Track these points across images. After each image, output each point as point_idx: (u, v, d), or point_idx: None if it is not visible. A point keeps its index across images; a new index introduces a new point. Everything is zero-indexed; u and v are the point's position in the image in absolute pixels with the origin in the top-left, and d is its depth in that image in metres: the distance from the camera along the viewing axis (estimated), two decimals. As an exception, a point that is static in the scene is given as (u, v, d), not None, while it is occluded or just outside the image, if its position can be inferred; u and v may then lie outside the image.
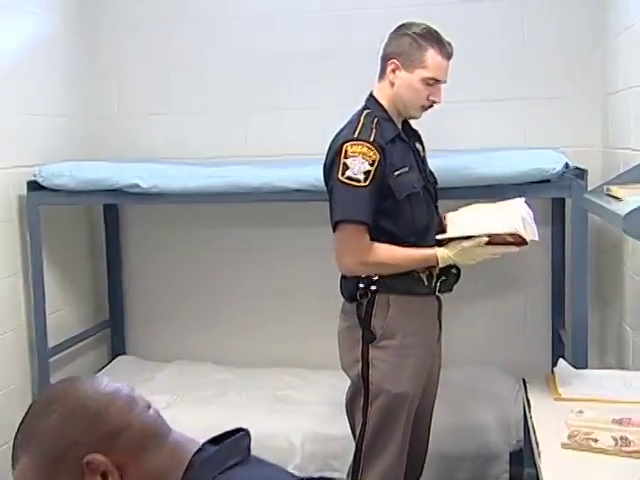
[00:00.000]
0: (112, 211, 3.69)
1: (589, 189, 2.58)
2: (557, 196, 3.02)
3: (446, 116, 3.22)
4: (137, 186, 2.93)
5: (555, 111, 3.28)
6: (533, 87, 3.29)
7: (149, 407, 1.09)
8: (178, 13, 3.59)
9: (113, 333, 3.79)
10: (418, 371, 2.24)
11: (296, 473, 2.84)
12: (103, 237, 3.73)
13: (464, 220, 2.22)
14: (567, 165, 2.62)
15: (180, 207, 3.50)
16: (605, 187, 2.30)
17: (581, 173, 2.73)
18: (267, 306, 3.64)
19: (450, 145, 3.19)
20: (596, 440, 1.85)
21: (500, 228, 2.10)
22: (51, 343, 3.27)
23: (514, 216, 2.11)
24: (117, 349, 3.78)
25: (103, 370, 3.56)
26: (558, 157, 2.63)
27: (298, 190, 2.78)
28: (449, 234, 2.18)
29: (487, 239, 2.11)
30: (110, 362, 3.68)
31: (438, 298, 2.32)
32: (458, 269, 2.27)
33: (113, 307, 3.76)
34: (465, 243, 2.13)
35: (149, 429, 1.06)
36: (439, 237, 2.19)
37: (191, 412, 3.06)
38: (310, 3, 3.47)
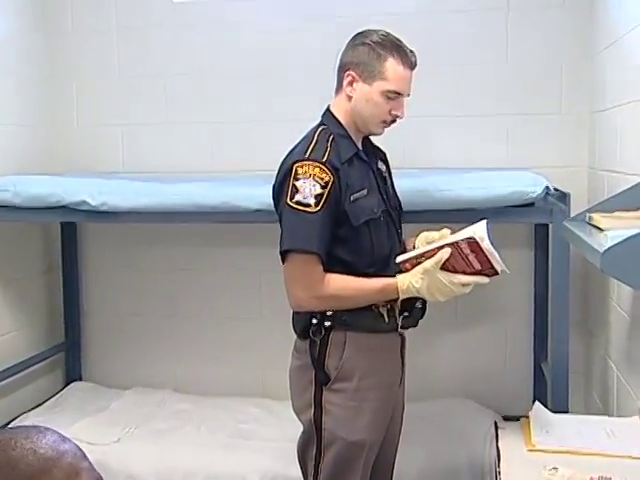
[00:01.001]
0: (70, 228, 3.47)
1: (572, 214, 2.37)
2: (537, 222, 2.81)
3: (421, 132, 3.07)
4: (85, 203, 2.71)
5: (539, 129, 3.08)
6: (516, 103, 3.09)
7: None
8: (142, 20, 3.39)
9: (68, 357, 3.56)
10: (377, 417, 2.01)
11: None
12: (60, 255, 3.51)
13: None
14: (548, 188, 2.41)
15: (141, 225, 3.29)
16: (588, 215, 2.09)
17: (563, 196, 2.52)
18: (232, 330, 3.43)
19: (424, 163, 2.99)
20: (570, 505, 1.64)
21: (456, 237, 1.84)
22: (-3, 368, 3.06)
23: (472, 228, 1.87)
24: (72, 374, 3.55)
25: (54, 397, 3.34)
26: (538, 179, 2.42)
27: (258, 210, 2.56)
28: (409, 254, 1.94)
29: (449, 250, 1.83)
30: (63, 389, 3.45)
31: (401, 335, 2.10)
32: (424, 302, 2.04)
33: (69, 329, 3.53)
34: (427, 263, 1.87)
35: None
36: (399, 259, 1.96)
37: (142, 448, 2.83)
38: (276, 14, 3.27)
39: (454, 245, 1.85)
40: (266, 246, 3.21)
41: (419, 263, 1.88)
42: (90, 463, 1.01)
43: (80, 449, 1.01)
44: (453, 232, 1.93)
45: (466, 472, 2.58)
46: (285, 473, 2.65)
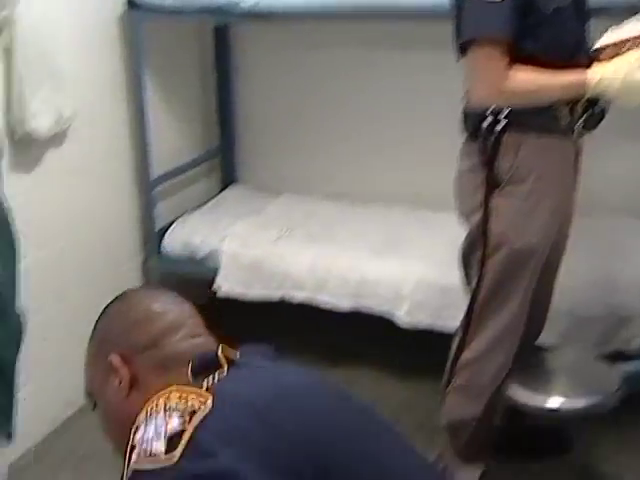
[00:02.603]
0: (223, 32, 3.40)
1: None
2: None
3: None
4: (238, 6, 2.62)
5: None
6: None
7: (194, 336, 1.12)
8: None
9: (223, 161, 3.63)
10: (549, 222, 1.92)
11: (404, 321, 2.67)
12: (213, 60, 3.48)
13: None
14: None
15: (296, 27, 3.16)
16: None
17: None
18: (388, 134, 3.28)
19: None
20: None
21: None
22: (157, 173, 3.13)
23: None
24: (228, 177, 3.63)
25: (212, 201, 3.43)
26: None
27: (432, 6, 2.34)
28: (608, 40, 1.75)
29: None
30: (221, 192, 3.56)
31: (576, 145, 1.95)
32: (603, 108, 1.87)
33: (224, 133, 3.56)
34: (630, 56, 1.69)
35: (176, 357, 1.07)
36: (597, 44, 1.78)
37: (299, 248, 2.91)
38: None
39: None
40: (436, 48, 3.00)
41: (617, 55, 1.70)
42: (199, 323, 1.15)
43: (194, 309, 1.17)
44: None
45: (631, 286, 2.47)
46: (439, 280, 2.64)
